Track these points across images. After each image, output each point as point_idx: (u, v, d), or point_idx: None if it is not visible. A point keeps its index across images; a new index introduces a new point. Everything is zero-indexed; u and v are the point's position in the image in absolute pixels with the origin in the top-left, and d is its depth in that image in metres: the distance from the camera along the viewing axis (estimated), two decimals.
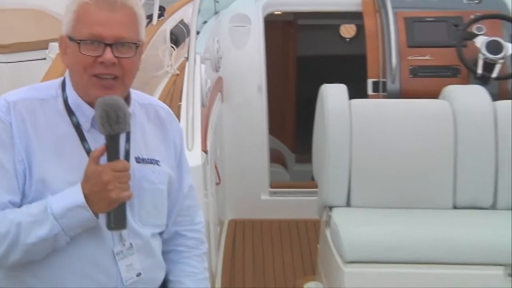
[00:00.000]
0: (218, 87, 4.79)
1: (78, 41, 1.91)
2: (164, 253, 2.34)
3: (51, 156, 2.00)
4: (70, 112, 2.03)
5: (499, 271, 3.40)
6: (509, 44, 4.62)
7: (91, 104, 2.00)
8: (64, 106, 2.04)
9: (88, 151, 2.05)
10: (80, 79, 2.00)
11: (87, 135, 2.05)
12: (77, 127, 2.02)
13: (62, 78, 2.16)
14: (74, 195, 1.96)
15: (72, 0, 1.99)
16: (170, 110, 2.36)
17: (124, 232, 2.11)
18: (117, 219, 1.99)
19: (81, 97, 2.05)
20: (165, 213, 2.25)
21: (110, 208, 1.96)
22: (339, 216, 3.73)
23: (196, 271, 2.37)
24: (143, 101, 2.22)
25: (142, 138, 2.16)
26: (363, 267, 3.51)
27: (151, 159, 2.15)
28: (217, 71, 4.74)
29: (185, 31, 4.79)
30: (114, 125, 1.91)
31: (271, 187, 5.21)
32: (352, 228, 3.64)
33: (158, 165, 2.16)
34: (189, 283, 2.34)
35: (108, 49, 1.90)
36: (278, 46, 5.89)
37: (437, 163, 3.93)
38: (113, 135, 1.94)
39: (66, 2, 2.05)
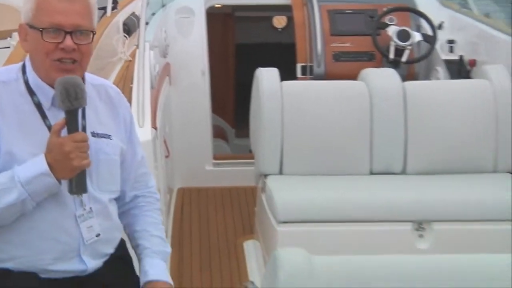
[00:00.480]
0: (166, 71, 4.86)
1: (41, 29, 1.96)
2: (127, 211, 2.43)
3: (16, 132, 2.04)
4: (31, 92, 2.07)
5: (408, 227, 3.63)
6: (416, 33, 4.85)
7: (51, 85, 2.05)
8: (26, 87, 2.07)
9: (49, 127, 2.09)
10: (42, 64, 2.04)
11: (47, 113, 2.09)
12: (38, 106, 2.07)
13: (22, 62, 2.18)
14: (39, 164, 2.01)
15: None
16: (118, 90, 2.40)
17: (84, 197, 2.16)
18: (78, 184, 2.05)
19: (41, 79, 2.08)
20: (119, 180, 2.30)
21: (72, 175, 2.02)
22: (272, 182, 3.92)
23: (157, 222, 2.46)
24: (95, 82, 2.26)
25: (95, 115, 2.20)
26: (294, 226, 3.67)
27: (104, 134, 2.18)
28: (165, 57, 4.84)
29: (136, 22, 4.71)
30: (74, 101, 1.98)
31: (214, 159, 5.33)
32: (284, 193, 3.80)
33: (111, 139, 2.19)
34: (153, 230, 2.42)
35: (68, 37, 1.95)
36: (218, 35, 5.89)
37: (356, 135, 4.10)
38: (72, 110, 2.00)
39: None
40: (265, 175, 4.03)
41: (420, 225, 3.67)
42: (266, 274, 1.98)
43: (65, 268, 2.19)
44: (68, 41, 1.96)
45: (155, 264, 2.36)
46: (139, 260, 2.42)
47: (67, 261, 2.18)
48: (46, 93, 2.07)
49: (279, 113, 3.98)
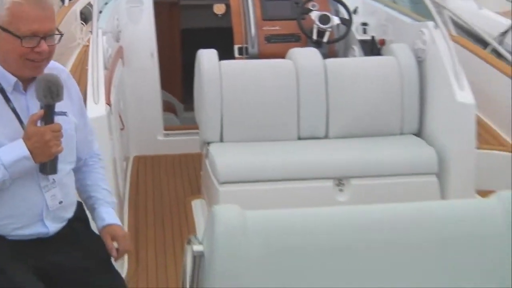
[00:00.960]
0: (119, 54, 4.91)
1: (21, 38, 2.01)
2: (77, 169, 2.53)
3: None
4: None
5: (330, 183, 3.88)
6: (335, 17, 5.00)
7: (14, 74, 2.13)
8: None
9: (12, 109, 2.18)
10: (15, 62, 2.09)
11: (10, 97, 2.16)
12: (2, 91, 2.13)
13: None
14: (20, 149, 2.11)
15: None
16: (68, 72, 2.47)
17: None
18: (52, 166, 2.18)
19: (4, 69, 2.13)
20: (75, 152, 2.40)
21: (48, 159, 2.15)
22: (214, 149, 4.11)
23: (104, 177, 2.62)
24: (50, 66, 2.29)
25: None
26: (233, 186, 3.87)
27: (61, 111, 2.23)
28: (117, 41, 4.92)
29: (91, 10, 4.68)
30: (55, 98, 2.08)
31: (165, 130, 5.46)
32: (223, 157, 4.02)
33: (66, 115, 2.26)
34: (103, 184, 2.59)
35: (43, 42, 2.04)
36: (165, 21, 5.89)
37: (285, 106, 4.27)
38: (51, 104, 2.11)
39: None
40: (208, 143, 4.17)
41: (340, 181, 3.90)
42: (206, 228, 2.17)
43: (30, 232, 2.30)
44: (44, 46, 2.06)
45: (109, 212, 2.52)
46: (93, 209, 2.55)
47: (32, 225, 2.30)
48: (8, 80, 2.14)
49: (218, 88, 4.10)
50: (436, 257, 2.16)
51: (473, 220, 2.21)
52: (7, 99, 2.13)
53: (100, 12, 4.45)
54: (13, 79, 2.12)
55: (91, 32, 4.20)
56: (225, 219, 2.12)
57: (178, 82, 6.01)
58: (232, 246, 2.16)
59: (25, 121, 2.20)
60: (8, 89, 2.13)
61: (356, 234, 2.17)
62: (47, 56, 2.10)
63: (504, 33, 5.67)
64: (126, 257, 3.72)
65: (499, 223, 2.15)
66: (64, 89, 2.21)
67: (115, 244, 2.50)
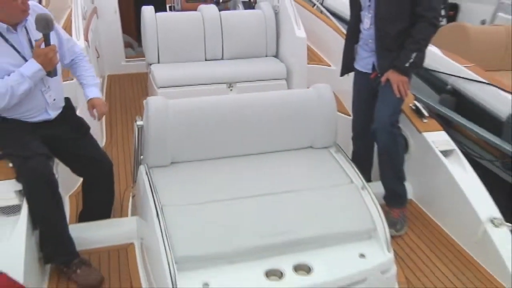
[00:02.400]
0: (94, 11, 5.19)
1: None
2: (71, 65, 2.70)
3: None
4: None
5: (225, 86, 4.35)
6: None
7: (3, 21, 2.24)
8: None
9: (11, 45, 2.29)
10: (9, 13, 2.22)
11: (6, 35, 2.27)
12: (0, 34, 2.24)
13: None
14: (34, 65, 2.27)
15: None
16: (50, 13, 2.44)
17: (45, 80, 2.44)
18: (54, 72, 2.39)
19: None
20: (60, 65, 2.50)
21: (52, 67, 2.34)
22: (154, 67, 4.40)
23: (88, 68, 2.73)
24: (37, 9, 2.42)
25: (33, 29, 2.34)
26: (166, 89, 4.18)
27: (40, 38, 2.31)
28: (93, 3, 5.23)
29: None
30: (51, 28, 2.29)
31: (126, 58, 5.66)
32: (160, 71, 4.31)
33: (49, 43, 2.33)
34: (86, 73, 2.72)
35: None
36: None
37: (197, 40, 4.53)
38: (48, 33, 2.27)
39: None
40: (150, 64, 4.52)
41: (230, 84, 4.36)
42: (145, 110, 2.54)
43: (39, 118, 2.51)
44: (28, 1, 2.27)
45: (92, 90, 2.66)
46: (83, 92, 2.68)
47: (41, 114, 2.51)
48: (1, 26, 2.26)
49: (155, 30, 4.44)
50: (279, 121, 2.69)
51: (301, 100, 2.74)
52: (5, 39, 2.23)
53: None
54: (4, 25, 2.23)
55: None
56: (154, 104, 2.46)
57: (133, 28, 5.99)
58: (158, 119, 2.43)
59: (21, 51, 2.32)
60: (3, 31, 2.23)
61: (234, 110, 2.63)
62: (27, 4, 2.24)
63: None
64: (104, 132, 4.13)
65: (315, 102, 2.71)
66: None
67: (95, 112, 2.63)
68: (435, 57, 4.65)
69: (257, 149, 2.69)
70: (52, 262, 2.47)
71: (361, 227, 2.35)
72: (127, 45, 5.74)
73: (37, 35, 2.33)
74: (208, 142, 2.56)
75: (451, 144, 3.12)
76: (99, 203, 2.78)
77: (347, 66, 3.26)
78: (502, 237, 2.60)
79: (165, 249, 2.07)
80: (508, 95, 4.04)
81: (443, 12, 6.05)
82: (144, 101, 2.62)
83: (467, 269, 2.68)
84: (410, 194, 3.21)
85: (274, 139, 2.69)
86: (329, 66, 4.88)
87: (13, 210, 2.35)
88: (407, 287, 2.57)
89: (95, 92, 2.63)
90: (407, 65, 2.88)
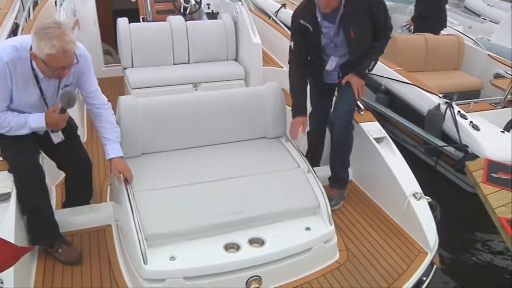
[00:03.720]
0: (76, 23, 5.06)
1: (52, 71, 2.07)
2: (91, 110, 2.47)
3: (21, 88, 2.16)
4: (33, 69, 2.15)
5: (191, 85, 4.28)
6: (192, 0, 5.30)
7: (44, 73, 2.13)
8: (31, 65, 2.13)
9: (39, 87, 2.20)
10: (47, 73, 2.12)
11: (40, 80, 2.20)
12: (35, 77, 2.17)
13: (29, 43, 2.08)
14: (41, 122, 2.22)
15: (44, 46, 1.97)
16: (84, 49, 2.30)
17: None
18: (56, 130, 2.36)
19: (38, 68, 2.12)
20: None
21: (56, 129, 2.32)
22: (128, 71, 4.33)
23: (109, 120, 2.47)
24: (80, 56, 2.21)
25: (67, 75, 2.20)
26: (138, 90, 4.10)
27: (66, 85, 2.30)
28: (74, 16, 5.08)
29: None
30: (71, 105, 2.23)
31: (105, 64, 5.34)
32: (133, 75, 4.22)
33: (70, 86, 2.32)
34: (107, 125, 2.45)
35: (66, 70, 2.11)
36: (103, 5, 5.62)
37: (166, 46, 4.43)
38: (66, 108, 2.23)
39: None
40: (125, 68, 4.46)
41: (195, 85, 4.33)
42: (117, 108, 2.50)
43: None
44: (66, 72, 2.13)
45: (113, 147, 2.42)
46: (103, 144, 2.45)
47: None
48: (40, 73, 2.17)
49: (128, 39, 4.39)
50: (236, 114, 2.73)
51: (255, 97, 2.81)
52: (37, 81, 2.18)
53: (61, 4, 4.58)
54: (42, 75, 2.18)
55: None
56: (125, 102, 2.50)
57: (111, 37, 5.59)
58: (128, 115, 2.47)
59: (45, 94, 2.23)
60: (39, 76, 2.18)
61: (196, 106, 2.65)
62: (68, 73, 2.14)
63: (277, 11, 6.43)
64: (85, 128, 3.92)
65: (266, 98, 2.79)
66: (76, 66, 2.18)
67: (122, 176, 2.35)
68: None
69: (217, 139, 2.73)
70: (38, 243, 2.43)
71: (307, 205, 2.40)
72: (106, 52, 5.62)
73: (66, 81, 2.26)
74: (173, 135, 2.55)
75: (382, 132, 3.16)
76: (79, 195, 2.73)
77: (302, 105, 3.00)
78: (422, 208, 2.67)
79: (136, 229, 2.07)
80: (428, 94, 4.20)
81: None
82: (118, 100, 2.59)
83: (395, 235, 2.74)
84: (351, 176, 3.24)
85: (232, 130, 2.71)
86: (282, 67, 4.78)
87: (3, 197, 2.30)
88: (346, 252, 2.61)
89: (117, 151, 2.43)
90: (366, 72, 2.96)
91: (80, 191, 2.72)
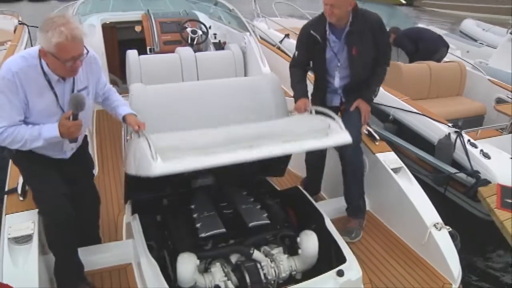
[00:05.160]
0: None
1: (63, 62, 2.01)
2: (104, 100, 2.50)
3: (36, 97, 2.09)
4: (44, 74, 2.09)
5: None
6: (199, 31, 5.33)
7: (57, 74, 2.09)
8: (42, 70, 2.08)
9: (54, 93, 2.13)
10: (59, 71, 2.08)
11: (54, 85, 2.13)
12: (49, 82, 2.11)
13: (36, 51, 2.06)
14: (55, 132, 2.12)
15: (51, 35, 1.94)
16: (94, 53, 2.27)
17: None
18: (73, 140, 2.25)
19: (51, 70, 2.08)
20: (91, 114, 2.43)
21: (71, 139, 2.21)
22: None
23: (117, 98, 2.54)
24: (90, 57, 2.22)
25: (80, 77, 2.21)
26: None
27: (84, 87, 2.26)
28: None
29: None
30: (80, 110, 2.12)
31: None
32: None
33: (87, 89, 2.28)
34: (120, 104, 2.51)
35: (78, 61, 2.06)
36: (109, 36, 5.63)
37: (174, 79, 4.41)
38: (77, 113, 2.13)
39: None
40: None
41: None
42: (129, 95, 2.59)
43: (57, 156, 2.38)
44: (78, 64, 2.08)
45: (124, 108, 2.48)
46: (116, 112, 2.46)
47: (57, 155, 2.37)
48: (53, 77, 2.12)
49: (138, 69, 4.41)
50: (240, 98, 2.79)
51: (256, 85, 2.89)
52: (52, 87, 2.13)
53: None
54: (56, 77, 2.13)
55: None
56: (135, 89, 2.63)
57: (118, 68, 5.81)
58: (140, 97, 2.60)
59: (60, 100, 2.17)
60: (52, 80, 2.12)
61: (202, 90, 2.76)
62: (79, 65, 2.10)
63: (282, 41, 6.61)
64: (96, 162, 3.87)
65: (264, 87, 2.87)
66: (87, 67, 2.21)
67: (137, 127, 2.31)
68: (379, 92, 4.73)
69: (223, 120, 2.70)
70: (66, 287, 2.37)
71: (318, 127, 2.39)
72: (112, 82, 5.53)
73: (80, 84, 2.23)
74: (180, 116, 2.60)
75: (399, 162, 3.17)
76: (84, 232, 2.66)
77: (320, 100, 3.22)
78: (443, 238, 2.66)
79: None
80: (437, 123, 4.28)
81: None
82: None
83: (417, 266, 2.72)
84: (368, 206, 3.24)
85: (238, 110, 2.73)
86: (291, 97, 4.78)
87: (26, 239, 2.27)
88: (371, 286, 2.60)
89: (129, 109, 2.49)
90: (373, 97, 3.11)
91: (88, 224, 2.71)
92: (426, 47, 6.00)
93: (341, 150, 3.09)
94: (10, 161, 2.61)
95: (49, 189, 2.21)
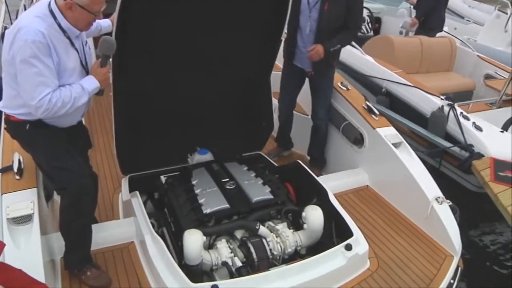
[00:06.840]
0: None
1: (95, 14, 2.07)
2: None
3: (64, 55, 2.06)
4: (63, 30, 2.06)
5: None
6: None
7: (75, 27, 2.09)
8: (59, 27, 2.04)
9: (76, 49, 2.12)
10: (83, 24, 2.09)
11: (73, 40, 2.12)
12: (68, 38, 2.09)
13: (46, 8, 2.03)
14: (94, 82, 2.15)
15: None
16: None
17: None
18: (102, 90, 2.25)
19: (70, 24, 2.06)
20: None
21: (105, 87, 2.24)
22: None
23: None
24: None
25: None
26: None
27: (86, 41, 2.26)
28: None
29: None
30: (112, 52, 2.16)
31: None
32: None
33: (87, 44, 2.25)
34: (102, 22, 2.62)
35: (100, 13, 2.12)
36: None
37: None
38: (109, 55, 2.17)
39: None
40: None
41: None
42: None
43: (70, 124, 2.33)
44: (101, 15, 2.25)
45: (106, 20, 2.56)
46: (103, 29, 2.55)
47: (76, 118, 2.34)
48: (74, 32, 2.10)
49: None
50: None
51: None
52: (72, 43, 2.11)
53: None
54: (77, 32, 2.12)
55: None
56: None
57: None
58: None
59: (81, 56, 2.18)
60: (72, 36, 2.11)
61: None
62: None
63: None
64: None
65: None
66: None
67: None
68: (371, 65, 4.81)
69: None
70: (73, 268, 2.31)
71: None
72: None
73: (84, 39, 2.25)
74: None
75: (399, 137, 3.16)
76: None
77: (289, 56, 3.52)
78: (445, 212, 2.68)
79: None
80: (430, 96, 4.27)
81: (370, 25, 6.42)
82: None
83: (420, 240, 2.75)
84: (368, 181, 3.25)
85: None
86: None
87: (25, 219, 2.18)
88: (376, 259, 2.62)
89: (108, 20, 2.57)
90: (331, 49, 3.27)
91: None
92: (436, 21, 6.01)
93: (315, 120, 3.57)
94: (1, 138, 2.55)
95: (77, 168, 2.16)
